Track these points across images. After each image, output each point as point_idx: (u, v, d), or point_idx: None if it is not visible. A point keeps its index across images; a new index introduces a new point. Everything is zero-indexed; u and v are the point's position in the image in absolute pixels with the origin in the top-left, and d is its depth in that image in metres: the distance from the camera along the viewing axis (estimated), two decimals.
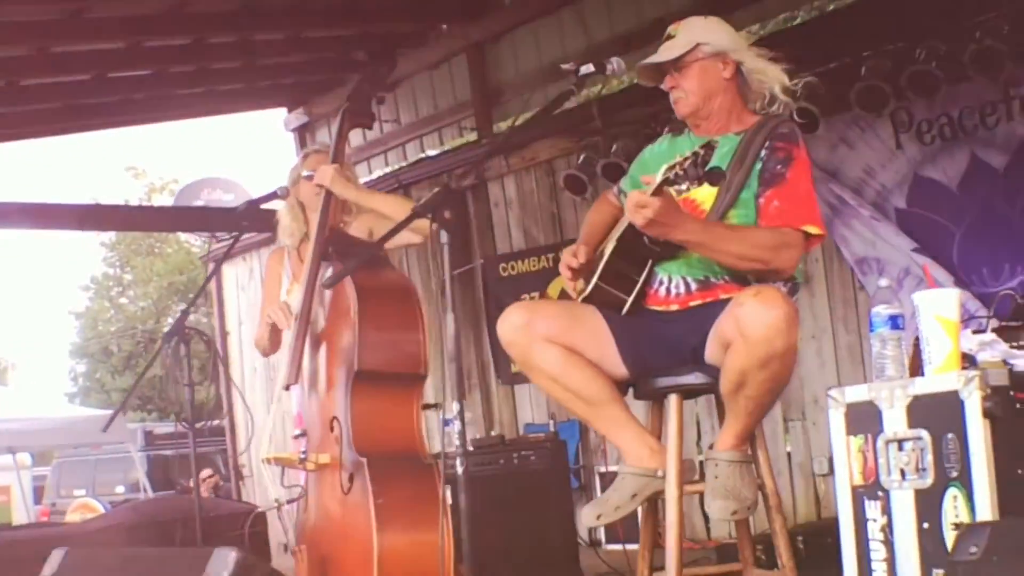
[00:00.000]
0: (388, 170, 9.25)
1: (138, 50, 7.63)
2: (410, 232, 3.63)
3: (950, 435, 2.61)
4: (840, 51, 6.22)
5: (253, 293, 10.41)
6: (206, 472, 12.74)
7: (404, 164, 9.14)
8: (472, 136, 8.71)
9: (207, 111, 9.99)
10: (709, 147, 3.02)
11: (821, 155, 6.17)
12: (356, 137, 9.43)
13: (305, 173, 4.46)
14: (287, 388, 4.16)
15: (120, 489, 16.59)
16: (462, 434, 2.77)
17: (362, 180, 9.37)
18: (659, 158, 3.40)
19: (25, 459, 16.19)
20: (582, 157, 7.24)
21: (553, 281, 7.21)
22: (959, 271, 5.71)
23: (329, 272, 4.03)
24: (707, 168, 2.98)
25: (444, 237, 2.85)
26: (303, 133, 9.94)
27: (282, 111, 10.10)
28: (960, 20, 5.67)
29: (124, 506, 9.31)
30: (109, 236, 29.22)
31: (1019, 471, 2.57)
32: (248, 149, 44.15)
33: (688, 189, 3.08)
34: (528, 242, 8.09)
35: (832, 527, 5.25)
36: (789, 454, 6.72)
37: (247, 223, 4.28)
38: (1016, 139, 5.71)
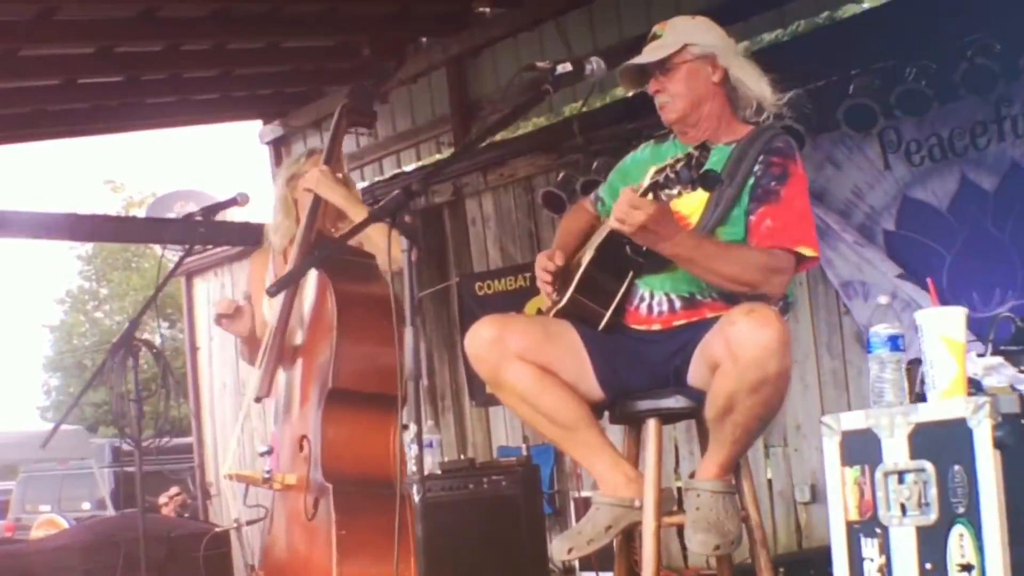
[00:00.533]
0: (364, 185, 9.05)
1: (109, 55, 7.42)
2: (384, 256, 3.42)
3: (956, 467, 2.40)
4: (828, 69, 6.07)
5: None
6: (173, 490, 12.54)
7: (380, 179, 8.95)
8: (450, 152, 8.53)
9: (181, 121, 9.76)
10: (704, 148, 2.79)
11: (807, 175, 5.97)
12: None
13: (301, 171, 4.23)
14: (258, 401, 3.91)
15: (86, 505, 16.31)
16: (419, 458, 2.55)
17: None
18: (642, 166, 3.18)
19: None
20: (561, 174, 7.08)
21: (531, 301, 7.04)
22: (949, 295, 5.55)
23: (311, 278, 3.81)
24: (702, 171, 2.76)
25: (404, 243, 2.63)
26: (278, 146, 9.74)
27: (258, 123, 9.90)
28: (951, 38, 5.53)
29: (81, 525, 9.09)
30: (86, 249, 29.04)
31: None
32: (228, 163, 43.83)
33: (679, 194, 2.84)
34: (505, 260, 7.93)
35: (814, 558, 5.12)
36: (770, 481, 6.56)
37: (205, 230, 4.03)
38: (1007, 161, 5.57)
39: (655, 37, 3.30)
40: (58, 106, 8.27)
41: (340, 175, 4.16)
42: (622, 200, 2.92)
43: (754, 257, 3.07)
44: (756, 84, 3.24)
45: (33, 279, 49.22)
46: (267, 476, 3.75)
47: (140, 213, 27.07)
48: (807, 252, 3.10)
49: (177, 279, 11.30)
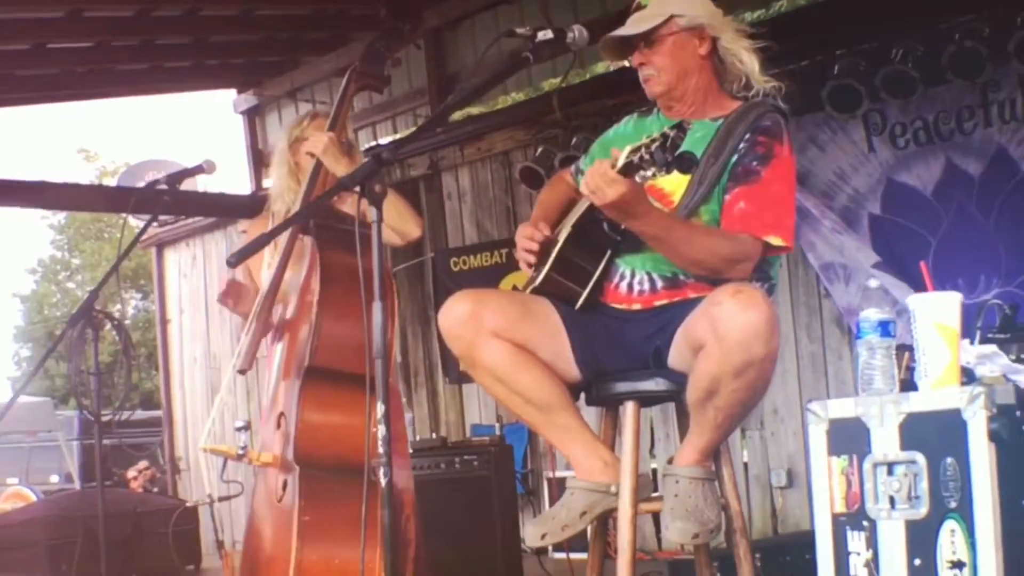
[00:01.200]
0: None
1: (79, 20, 7.26)
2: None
3: (949, 459, 2.30)
4: (812, 48, 5.98)
5: (196, 279, 10.12)
6: (142, 464, 12.46)
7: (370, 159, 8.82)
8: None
9: (153, 89, 9.60)
10: (681, 129, 2.68)
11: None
12: None
13: (306, 136, 4.08)
14: (242, 373, 3.75)
15: (54, 478, 16.19)
16: (386, 439, 2.43)
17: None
18: (624, 140, 3.06)
19: None
20: (539, 150, 6.99)
21: (506, 277, 6.96)
22: (934, 281, 5.47)
23: (308, 247, 3.65)
24: (677, 153, 2.65)
25: (374, 214, 2.51)
26: (252, 116, 9.60)
27: (231, 93, 9.74)
28: (939, 20, 5.47)
29: (46, 499, 8.99)
30: (58, 219, 28.85)
31: None
32: (203, 133, 43.51)
33: (654, 176, 2.74)
34: (481, 236, 7.84)
35: (790, 543, 5.05)
36: (746, 465, 6.51)
37: (169, 199, 3.88)
38: (993, 146, 5.51)
39: (640, 7, 3.17)
40: (27, 71, 8.09)
41: (345, 140, 4.02)
42: (593, 174, 2.82)
43: (720, 244, 2.96)
44: (748, 57, 3.12)
45: (4, 248, 48.84)
46: (242, 452, 3.61)
47: (113, 183, 26.90)
48: (776, 242, 2.98)
49: (148, 250, 11.15)
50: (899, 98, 5.56)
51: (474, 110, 9.02)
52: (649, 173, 2.73)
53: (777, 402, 6.28)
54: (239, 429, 3.71)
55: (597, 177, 2.80)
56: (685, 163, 2.75)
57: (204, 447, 3.81)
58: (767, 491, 6.39)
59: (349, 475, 3.29)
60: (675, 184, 3.04)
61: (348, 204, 3.86)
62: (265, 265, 4.04)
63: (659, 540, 6.58)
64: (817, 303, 6.17)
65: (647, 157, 2.69)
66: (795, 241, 3.10)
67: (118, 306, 26.18)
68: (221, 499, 3.99)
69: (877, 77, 5.52)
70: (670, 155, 2.67)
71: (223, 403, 4.02)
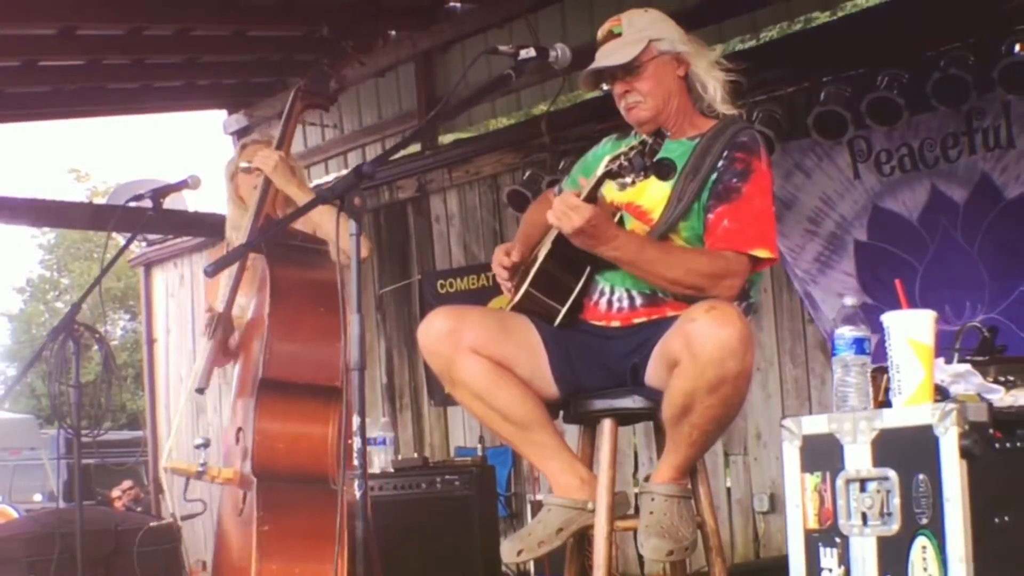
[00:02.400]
0: (328, 178, 8.95)
1: (70, 37, 7.27)
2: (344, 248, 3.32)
3: (921, 476, 2.29)
4: (799, 75, 6.02)
5: (183, 299, 10.10)
6: (126, 484, 12.36)
7: (345, 173, 8.82)
8: (416, 147, 8.42)
9: (144, 108, 9.64)
10: (659, 135, 2.70)
11: (776, 182, 5.85)
12: (297, 143, 9.10)
13: (243, 165, 4.09)
14: (200, 392, 3.77)
15: (38, 497, 16.09)
16: (362, 453, 2.43)
17: None
18: (601, 161, 3.07)
19: None
20: (527, 173, 7.00)
21: (493, 300, 6.95)
22: (920, 307, 5.48)
23: (261, 265, 3.66)
24: (655, 159, 2.66)
25: (353, 227, 2.51)
26: (243, 137, 9.58)
27: (222, 113, 9.75)
28: (924, 48, 5.50)
29: (27, 516, 8.92)
30: (48, 238, 28.76)
31: (996, 520, 2.26)
32: (195, 154, 43.53)
33: (633, 183, 2.75)
34: (468, 259, 7.84)
35: (771, 568, 5.03)
36: (729, 489, 6.49)
37: (153, 214, 3.88)
38: (977, 173, 5.52)
39: (612, 35, 3.17)
40: (17, 88, 8.11)
41: (291, 163, 4.03)
42: (558, 202, 2.86)
43: (698, 262, 2.98)
44: (712, 86, 3.13)
45: None
46: (201, 469, 3.61)
47: (104, 203, 26.87)
48: (762, 254, 3.00)
49: (136, 270, 11.13)
50: (884, 125, 5.58)
51: (463, 134, 9.05)
52: (628, 180, 2.75)
53: (760, 426, 6.28)
54: (199, 447, 3.72)
55: (562, 205, 2.84)
56: (663, 169, 2.77)
57: (165, 466, 3.81)
58: (750, 516, 6.37)
59: (308, 485, 3.31)
60: (654, 202, 3.05)
61: (299, 222, 3.88)
62: (222, 287, 4.07)
63: (641, 564, 6.56)
64: (801, 328, 6.18)
65: (626, 164, 2.71)
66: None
67: (107, 327, 26.20)
68: (184, 518, 3.98)
69: (863, 104, 5.53)
70: (648, 160, 2.70)
71: (181, 423, 4.03)
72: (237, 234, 4.12)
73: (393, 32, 8.42)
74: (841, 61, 5.82)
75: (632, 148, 2.70)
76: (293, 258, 3.68)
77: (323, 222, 3.71)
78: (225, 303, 3.80)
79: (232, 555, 3.64)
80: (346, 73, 4.16)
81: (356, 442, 2.50)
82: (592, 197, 2.86)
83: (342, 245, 3.68)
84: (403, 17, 8.21)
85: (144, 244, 10.67)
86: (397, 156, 7.82)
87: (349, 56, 4.08)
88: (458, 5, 7.88)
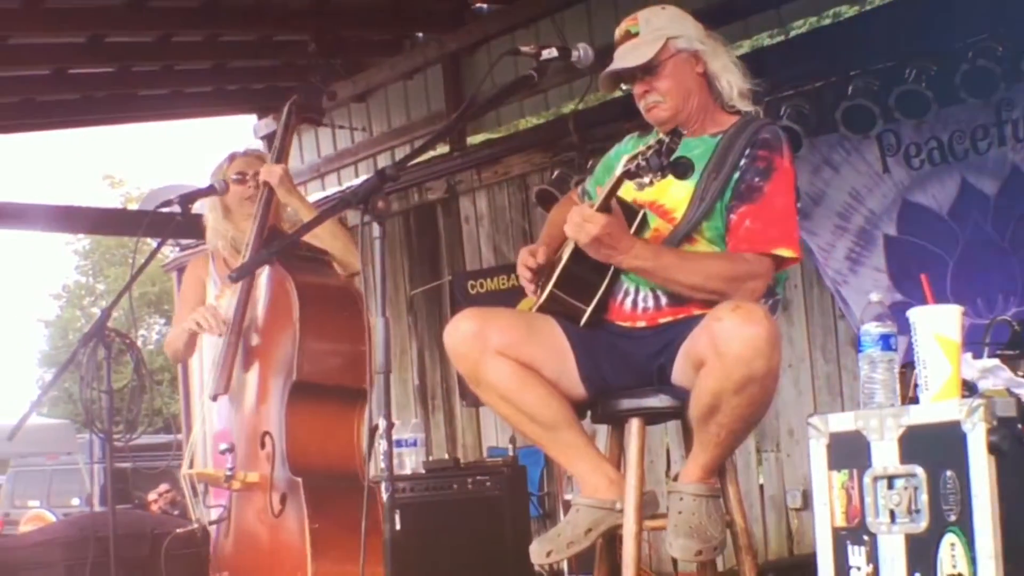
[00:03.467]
0: (357, 181, 8.97)
1: (100, 45, 7.34)
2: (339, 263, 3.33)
3: (949, 472, 2.29)
4: (826, 69, 5.98)
5: None
6: (163, 487, 12.43)
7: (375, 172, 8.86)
8: (444, 148, 8.44)
9: (174, 114, 9.70)
10: (676, 134, 2.69)
11: (805, 177, 5.91)
12: (326, 146, 9.20)
13: (233, 176, 4.14)
14: (214, 399, 3.84)
15: (75, 501, 16.26)
16: (388, 454, 2.44)
17: (331, 191, 9.18)
18: (623, 159, 3.08)
19: None
20: (556, 172, 6.99)
21: (523, 300, 6.94)
22: (953, 301, 5.44)
23: (265, 274, 3.71)
24: (672, 158, 2.65)
25: (376, 231, 2.52)
26: (272, 141, 9.63)
27: (252, 118, 9.80)
28: (952, 40, 5.45)
29: (65, 520, 9.00)
30: (83, 244, 29.02)
31: None
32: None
33: (651, 182, 2.75)
34: (498, 259, 7.83)
35: (805, 565, 5.00)
36: (762, 487, 6.47)
37: (182, 218, 3.94)
38: (1008, 165, 5.47)
39: (629, 35, 3.15)
40: (48, 96, 8.19)
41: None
42: (573, 214, 2.88)
43: (718, 266, 2.97)
44: (727, 83, 3.12)
45: (29, 274, 49.21)
46: (229, 474, 3.65)
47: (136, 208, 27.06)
48: (785, 254, 2.99)
49: (170, 275, 11.19)
50: (913, 118, 5.56)
51: (492, 134, 9.06)
52: (646, 180, 2.75)
53: (792, 423, 6.25)
54: (224, 452, 3.75)
55: (576, 217, 2.86)
56: (680, 168, 2.76)
57: (189, 472, 3.85)
58: (783, 513, 6.35)
59: (344, 482, 3.37)
60: (677, 201, 3.04)
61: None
62: (211, 296, 4.15)
63: (674, 562, 6.54)
64: (832, 324, 6.14)
65: (643, 163, 2.70)
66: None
67: (143, 331, 26.39)
68: (211, 523, 4.02)
69: (891, 97, 5.51)
70: (665, 159, 2.69)
71: (201, 427, 4.07)
72: (223, 242, 4.19)
73: (420, 34, 8.44)
74: (869, 55, 5.79)
75: (649, 148, 2.69)
76: (306, 267, 3.79)
77: (324, 235, 3.80)
78: (237, 311, 3.83)
79: (260, 557, 3.67)
80: (335, 89, 4.26)
81: (383, 444, 2.51)
82: (607, 205, 2.85)
83: (341, 258, 3.78)
84: (430, 19, 8.23)
85: (177, 248, 10.73)
86: (426, 157, 7.91)
87: (337, 72, 4.15)
88: (484, 6, 7.88)
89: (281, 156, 4.08)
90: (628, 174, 2.72)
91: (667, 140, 2.66)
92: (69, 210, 9.00)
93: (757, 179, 2.99)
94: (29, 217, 8.71)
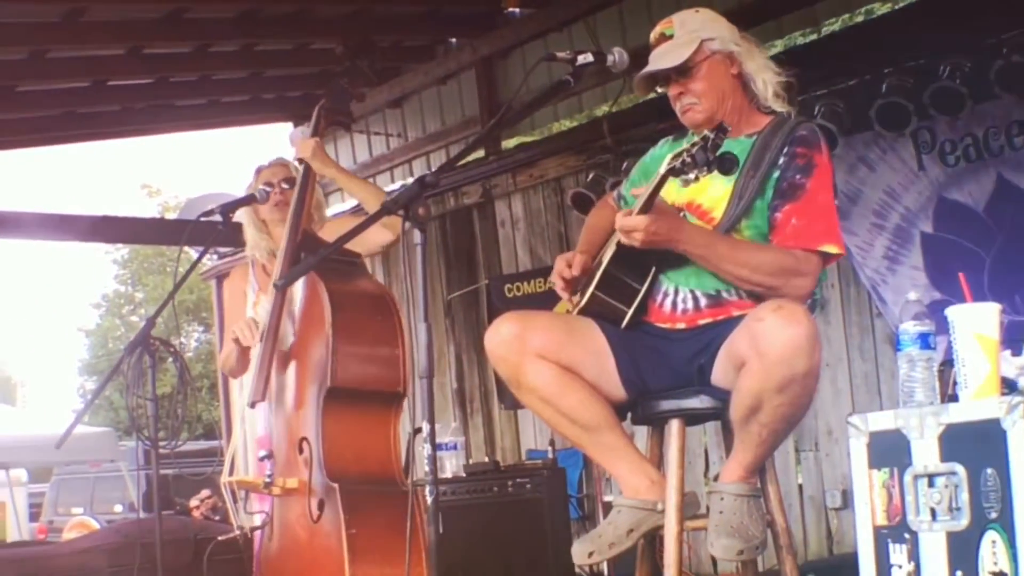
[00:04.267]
0: (394, 187, 9.03)
1: (138, 57, 7.43)
2: (381, 228, 3.36)
3: (989, 470, 2.30)
4: (860, 67, 5.97)
5: None
6: (205, 493, 12.55)
7: (410, 181, 8.90)
8: (480, 153, 8.48)
9: (211, 123, 9.77)
10: (721, 130, 2.71)
11: (840, 176, 5.87)
12: (362, 152, 9.26)
13: (262, 188, 4.19)
14: (252, 406, 3.87)
15: (118, 508, 16.38)
16: (432, 458, 2.47)
17: None
18: (660, 162, 3.07)
19: (21, 475, 15.98)
20: (591, 175, 7.02)
21: (560, 303, 6.96)
22: (991, 298, 5.42)
23: (300, 280, 3.74)
24: (718, 153, 2.67)
25: (418, 237, 2.55)
26: None
27: (288, 126, 9.87)
28: (986, 35, 5.44)
29: (108, 527, 9.09)
30: (121, 254, 29.24)
31: None
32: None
33: (697, 178, 2.77)
34: (534, 262, 7.87)
35: (844, 564, 5.01)
36: (801, 487, 6.47)
37: (223, 227, 4.00)
38: None
39: (664, 37, 3.18)
40: (87, 108, 8.29)
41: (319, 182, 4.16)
42: (619, 218, 2.93)
43: (768, 260, 2.98)
44: (762, 83, 3.13)
45: (70, 283, 49.66)
46: (268, 481, 3.70)
47: (175, 217, 27.24)
48: (831, 250, 3.00)
49: (208, 282, 11.28)
50: (948, 115, 5.55)
51: (526, 137, 9.08)
52: (692, 176, 2.76)
53: (831, 422, 6.24)
54: (263, 459, 3.79)
55: (619, 230, 2.91)
56: (726, 163, 2.79)
57: (227, 480, 3.89)
58: (822, 512, 6.34)
59: (380, 486, 3.40)
60: (715, 200, 3.06)
61: (323, 235, 4.07)
62: (249, 304, 4.18)
63: (714, 563, 6.55)
64: (869, 322, 6.13)
65: (688, 160, 2.72)
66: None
67: (182, 339, 26.56)
68: (253, 529, 4.05)
69: (925, 94, 5.49)
70: (711, 154, 2.70)
71: (240, 434, 4.11)
72: (259, 252, 4.24)
73: (453, 40, 8.48)
74: (903, 52, 5.77)
75: (694, 144, 2.71)
76: (338, 271, 3.81)
77: (366, 202, 3.82)
78: (271, 319, 3.87)
79: (300, 563, 3.72)
80: (366, 92, 4.29)
81: (426, 449, 2.54)
82: (650, 204, 2.88)
83: (376, 240, 3.77)
84: (463, 24, 8.27)
85: (215, 257, 10.81)
86: (462, 162, 7.96)
87: (365, 75, 4.19)
88: (516, 11, 7.90)
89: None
90: (673, 171, 2.74)
91: (712, 136, 2.68)
92: (108, 220, 9.09)
93: (799, 176, 3.01)
94: (70, 228, 8.81)
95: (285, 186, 4.17)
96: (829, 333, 6.18)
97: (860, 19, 8.18)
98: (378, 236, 3.79)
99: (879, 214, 5.97)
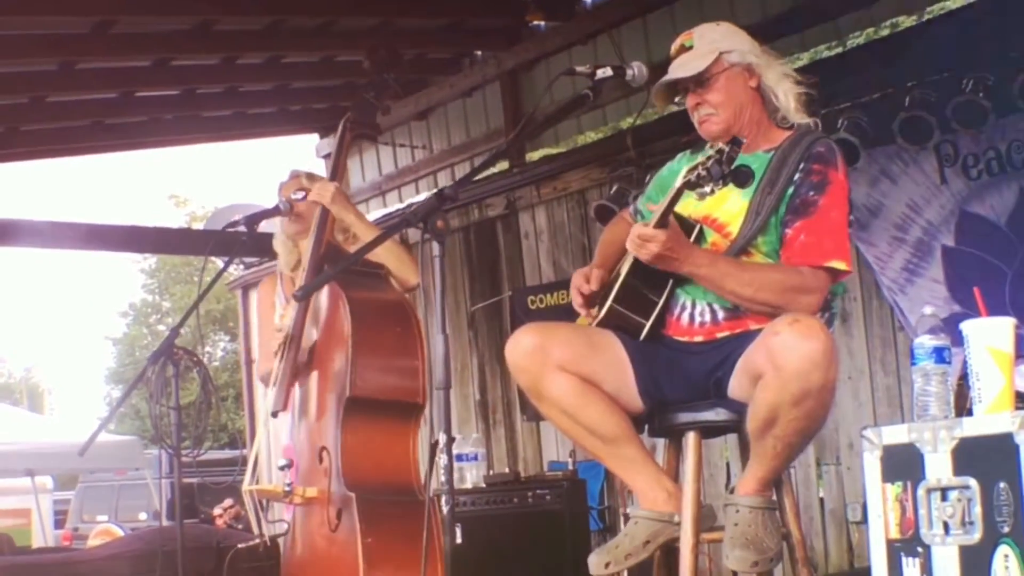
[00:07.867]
0: (419, 199, 9.06)
1: (165, 68, 7.50)
2: (411, 268, 3.41)
3: (1002, 484, 2.30)
4: (883, 81, 5.97)
5: None
6: (228, 501, 12.61)
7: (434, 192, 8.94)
8: (504, 165, 8.51)
9: (238, 135, 9.85)
10: (736, 143, 2.74)
11: (862, 189, 5.92)
12: (387, 164, 9.30)
13: (296, 196, 4.25)
14: (275, 415, 3.92)
15: (143, 515, 16.47)
16: (448, 468, 2.50)
17: (392, 208, 9.27)
18: (676, 175, 3.10)
19: (46, 483, 16.08)
20: (614, 188, 7.01)
21: (580, 317, 6.98)
22: (1012, 312, 5.40)
23: (323, 290, 3.79)
24: (733, 166, 2.70)
25: (436, 250, 2.58)
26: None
27: (314, 137, 9.93)
28: (1009, 49, 5.42)
29: (132, 534, 9.15)
30: (149, 263, 29.48)
31: None
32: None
33: (712, 191, 2.80)
34: (558, 274, 7.86)
35: None
36: (822, 500, 6.43)
37: (247, 238, 4.04)
38: None
39: (684, 49, 3.21)
40: (115, 119, 8.36)
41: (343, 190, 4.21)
42: (632, 236, 2.95)
43: (774, 279, 3.00)
44: (783, 95, 3.15)
45: (97, 292, 49.98)
46: (288, 490, 3.73)
47: (201, 227, 27.39)
48: (839, 266, 3.02)
49: (235, 292, 11.35)
50: (970, 128, 5.52)
51: (550, 150, 9.10)
52: (707, 189, 2.80)
53: (852, 436, 6.20)
54: (283, 468, 3.83)
55: (635, 239, 2.94)
56: (741, 176, 2.82)
57: (249, 489, 3.94)
58: (843, 526, 6.32)
59: (398, 496, 3.43)
60: (731, 215, 3.09)
61: (353, 247, 4.10)
62: (277, 315, 4.24)
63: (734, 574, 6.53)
64: (892, 336, 6.11)
65: (704, 173, 2.75)
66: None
67: (208, 348, 26.68)
68: (273, 538, 4.09)
69: (948, 108, 5.48)
70: (726, 167, 2.73)
71: (261, 442, 4.16)
72: (286, 263, 4.33)
73: (478, 52, 8.52)
74: (926, 65, 5.77)
75: (709, 157, 2.74)
76: (360, 282, 3.85)
77: (381, 252, 3.87)
78: (294, 329, 3.91)
79: (320, 571, 3.76)
80: (392, 105, 4.32)
81: (444, 459, 2.57)
82: (665, 220, 2.90)
83: (397, 273, 3.85)
84: (488, 37, 8.31)
85: (241, 267, 10.88)
86: (485, 174, 7.98)
87: (391, 88, 4.22)
88: (542, 24, 7.94)
89: (336, 173, 4.17)
90: (689, 184, 2.77)
91: (727, 149, 2.71)
92: (136, 231, 9.17)
93: (812, 193, 3.03)
94: (98, 238, 8.89)
95: (295, 197, 4.22)
96: (851, 346, 6.16)
97: (884, 32, 8.17)
98: (406, 274, 3.86)
99: (900, 227, 5.96)
